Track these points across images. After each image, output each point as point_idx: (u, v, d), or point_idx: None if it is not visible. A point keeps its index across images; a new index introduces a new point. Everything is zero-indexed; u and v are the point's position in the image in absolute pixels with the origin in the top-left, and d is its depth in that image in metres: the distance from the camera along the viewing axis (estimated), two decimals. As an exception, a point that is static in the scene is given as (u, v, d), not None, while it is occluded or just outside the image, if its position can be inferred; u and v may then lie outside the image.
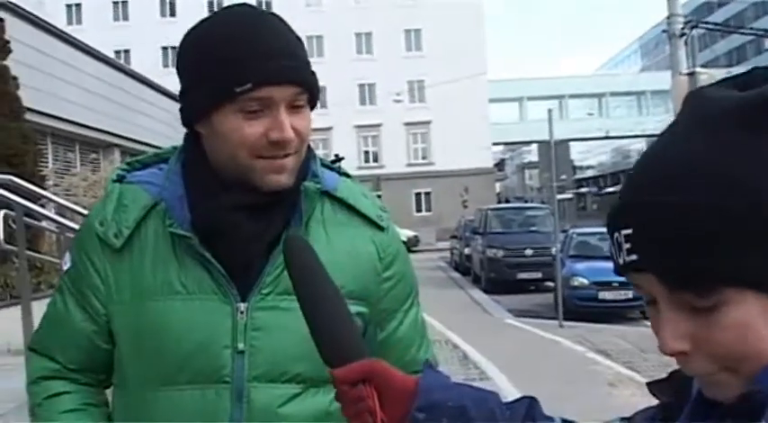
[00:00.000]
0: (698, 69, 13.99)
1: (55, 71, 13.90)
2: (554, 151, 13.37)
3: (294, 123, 1.37)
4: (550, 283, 16.24)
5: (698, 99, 0.80)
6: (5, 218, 5.00)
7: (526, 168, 74.76)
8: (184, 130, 1.48)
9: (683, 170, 0.75)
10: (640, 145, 58.41)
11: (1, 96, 9.95)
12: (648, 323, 0.88)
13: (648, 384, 0.86)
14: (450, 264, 27.94)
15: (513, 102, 64.63)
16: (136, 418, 1.43)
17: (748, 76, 0.81)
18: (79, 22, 46.12)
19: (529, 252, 18.94)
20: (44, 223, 7.08)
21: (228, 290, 1.38)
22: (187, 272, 1.39)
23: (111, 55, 23.22)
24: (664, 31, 14.83)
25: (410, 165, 48.48)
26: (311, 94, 1.40)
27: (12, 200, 4.79)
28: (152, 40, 45.78)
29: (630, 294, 13.28)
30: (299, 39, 1.41)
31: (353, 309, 1.21)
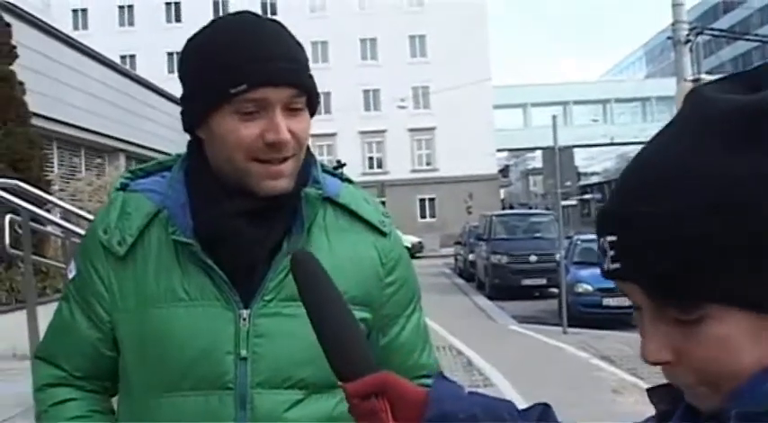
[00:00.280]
0: (703, 76, 13.99)
1: (61, 76, 13.94)
2: (558, 158, 13.36)
3: (291, 126, 1.37)
4: (555, 290, 16.21)
5: (697, 100, 0.77)
6: (11, 223, 5.01)
7: (530, 175, 74.64)
8: (189, 136, 1.49)
9: (669, 179, 0.72)
10: (645, 151, 58.19)
11: (7, 101, 9.97)
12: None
13: (648, 391, 0.85)
14: (454, 270, 27.92)
15: (517, 108, 64.65)
16: (140, 425, 1.43)
17: (756, 73, 0.78)
18: (85, 27, 46.28)
19: (533, 258, 18.93)
20: (49, 228, 7.09)
21: (231, 296, 1.39)
22: (190, 279, 1.39)
23: (117, 60, 23.27)
24: (669, 37, 14.83)
25: (414, 171, 48.47)
26: (309, 97, 1.40)
27: (18, 204, 4.80)
28: (158, 45, 45.87)
29: (635, 301, 13.22)
30: (299, 44, 1.42)
31: (356, 315, 1.21)
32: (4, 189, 5.33)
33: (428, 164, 48.76)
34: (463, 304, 17.64)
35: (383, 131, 48.25)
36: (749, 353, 0.71)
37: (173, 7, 48.72)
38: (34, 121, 10.85)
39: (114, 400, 1.54)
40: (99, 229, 1.46)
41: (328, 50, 47.14)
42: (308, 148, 1.46)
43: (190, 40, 1.44)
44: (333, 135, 46.10)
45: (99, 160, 16.61)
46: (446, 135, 47.14)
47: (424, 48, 48.55)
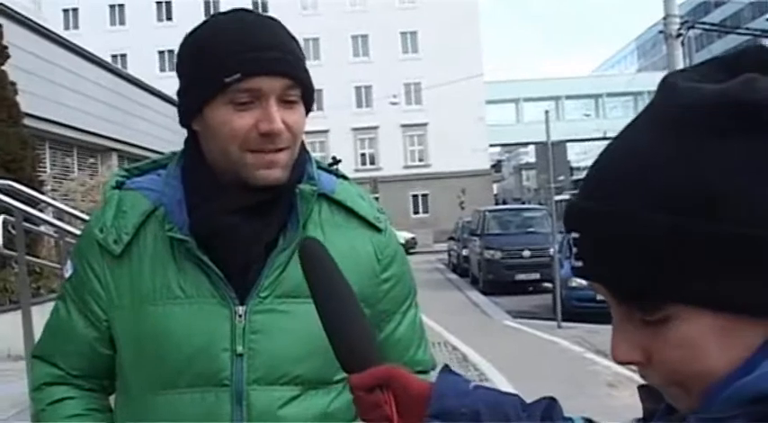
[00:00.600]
0: (694, 69, 13.99)
1: (53, 76, 13.89)
2: (551, 152, 13.37)
3: (285, 117, 1.37)
4: (548, 284, 16.22)
5: (664, 90, 0.72)
6: (4, 223, 4.99)
7: (523, 170, 74.77)
8: (182, 135, 1.49)
9: (626, 175, 0.69)
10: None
11: (-1, 102, 9.94)
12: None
13: (639, 388, 0.83)
14: (447, 265, 27.94)
15: (509, 103, 64.69)
16: None
17: (736, 56, 0.74)
18: (76, 26, 46.13)
19: (527, 253, 18.93)
20: (43, 228, 7.07)
21: (227, 293, 1.39)
22: (186, 276, 1.40)
23: (108, 59, 23.22)
24: (660, 31, 14.86)
25: (407, 167, 48.49)
26: (304, 89, 1.40)
27: (11, 205, 4.79)
28: (149, 44, 45.79)
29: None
30: (294, 39, 1.42)
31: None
32: (-3, 189, 5.31)
33: (421, 160, 48.78)
34: (457, 300, 17.65)
35: (375, 128, 48.26)
36: (716, 355, 0.68)
37: (164, 6, 48.59)
38: (26, 121, 10.81)
39: (112, 398, 1.54)
40: (95, 227, 1.46)
41: (320, 47, 47.10)
42: (303, 145, 1.46)
43: (187, 36, 1.44)
44: (325, 132, 46.09)
45: (92, 160, 16.57)
46: (438, 131, 47.17)
47: (416, 44, 48.56)
